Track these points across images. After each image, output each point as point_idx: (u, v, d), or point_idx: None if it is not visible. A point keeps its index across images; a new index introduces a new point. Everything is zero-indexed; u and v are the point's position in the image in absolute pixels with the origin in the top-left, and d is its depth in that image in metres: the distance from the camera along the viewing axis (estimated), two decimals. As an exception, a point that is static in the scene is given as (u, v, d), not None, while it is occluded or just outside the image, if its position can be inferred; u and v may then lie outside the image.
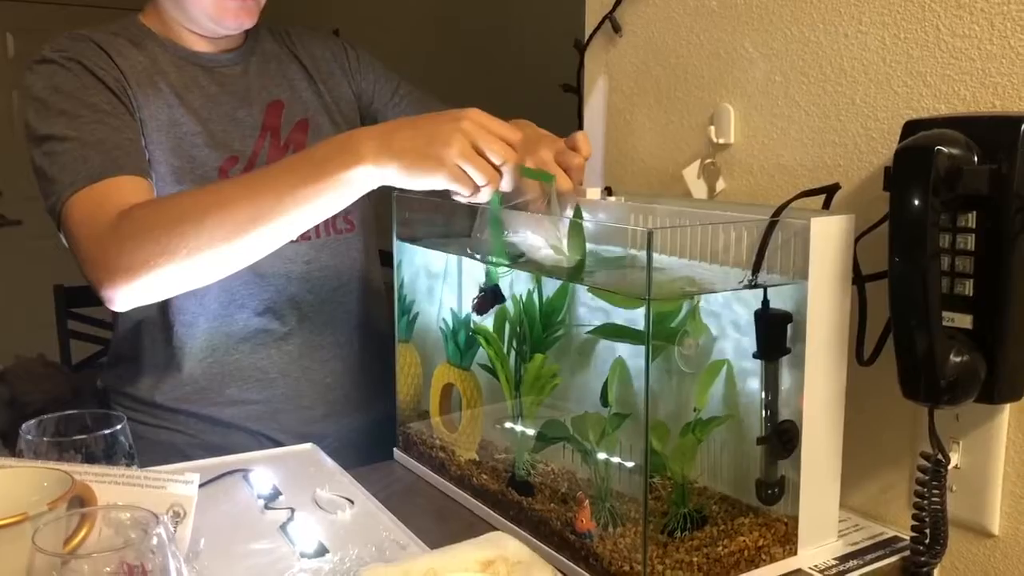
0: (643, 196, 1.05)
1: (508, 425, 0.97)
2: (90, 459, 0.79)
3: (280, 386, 1.19)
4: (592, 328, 0.87)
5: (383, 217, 1.17)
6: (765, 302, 0.82)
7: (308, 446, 1.12)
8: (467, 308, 1.03)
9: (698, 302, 0.82)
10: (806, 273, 0.81)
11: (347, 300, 1.25)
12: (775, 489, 0.84)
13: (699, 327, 0.83)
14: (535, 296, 0.94)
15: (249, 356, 1.18)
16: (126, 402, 1.19)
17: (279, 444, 1.16)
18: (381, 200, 1.07)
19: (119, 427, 0.81)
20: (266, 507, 0.94)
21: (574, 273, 0.89)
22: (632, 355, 0.84)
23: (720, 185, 1.06)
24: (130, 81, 1.10)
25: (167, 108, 1.13)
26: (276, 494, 0.97)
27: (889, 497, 0.93)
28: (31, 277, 2.60)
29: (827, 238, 0.81)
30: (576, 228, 0.90)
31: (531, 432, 0.93)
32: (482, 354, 1.01)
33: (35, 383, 1.93)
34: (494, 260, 0.98)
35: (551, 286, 0.92)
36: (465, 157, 0.86)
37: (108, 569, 0.61)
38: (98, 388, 1.29)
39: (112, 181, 1.00)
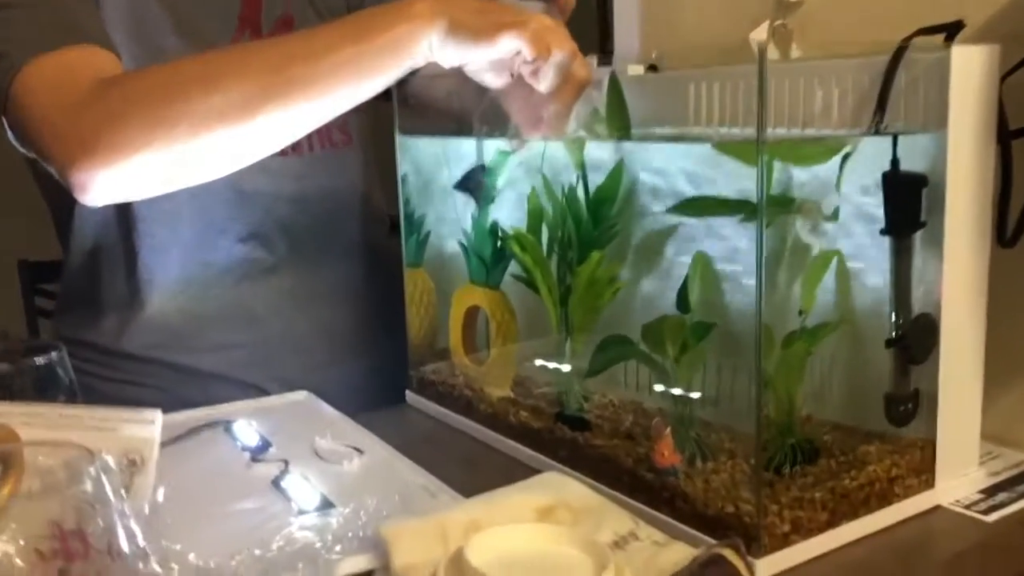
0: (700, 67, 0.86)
1: (550, 354, 0.78)
2: (15, 397, 0.60)
3: (271, 326, 1.00)
4: (674, 205, 0.68)
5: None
6: (895, 160, 0.63)
7: (302, 394, 0.93)
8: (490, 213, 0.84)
9: (849, 150, 0.62)
10: (941, 123, 0.62)
11: (346, 224, 1.06)
12: (908, 404, 0.66)
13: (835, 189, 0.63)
14: (579, 187, 0.75)
15: (232, 291, 0.98)
16: (86, 353, 0.99)
17: (272, 396, 0.97)
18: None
19: (54, 355, 0.62)
20: (253, 460, 0.76)
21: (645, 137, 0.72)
22: (718, 242, 0.66)
23: (794, 52, 0.87)
24: None
25: None
26: (265, 446, 0.79)
27: (1031, 418, 0.75)
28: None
29: (969, 75, 0.63)
30: (615, 88, 0.72)
31: (584, 355, 0.75)
32: (513, 269, 0.83)
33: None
34: (513, 140, 0.80)
35: (596, 176, 0.74)
36: (533, 26, 0.69)
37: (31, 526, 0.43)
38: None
39: (79, 49, 0.80)
